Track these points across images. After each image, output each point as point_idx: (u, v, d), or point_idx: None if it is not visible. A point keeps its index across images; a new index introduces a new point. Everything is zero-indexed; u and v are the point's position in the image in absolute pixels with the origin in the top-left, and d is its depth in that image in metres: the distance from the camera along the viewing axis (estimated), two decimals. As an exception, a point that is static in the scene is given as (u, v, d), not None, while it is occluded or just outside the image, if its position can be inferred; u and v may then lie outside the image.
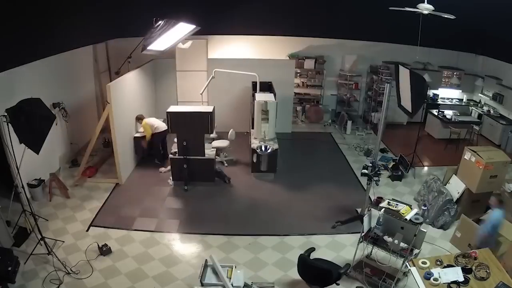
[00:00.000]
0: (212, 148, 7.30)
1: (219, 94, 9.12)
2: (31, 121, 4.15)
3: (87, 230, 5.39)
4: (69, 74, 7.55)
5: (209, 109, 6.74)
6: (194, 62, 8.96)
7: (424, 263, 4.08)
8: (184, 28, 6.75)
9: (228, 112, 9.25)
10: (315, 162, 8.25)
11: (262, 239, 5.56)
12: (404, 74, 6.96)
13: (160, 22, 5.67)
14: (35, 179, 6.25)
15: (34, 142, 4.26)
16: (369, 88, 11.04)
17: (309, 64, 10.58)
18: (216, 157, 7.46)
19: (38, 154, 4.34)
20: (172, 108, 6.66)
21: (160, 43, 6.25)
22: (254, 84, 8.51)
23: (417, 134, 8.06)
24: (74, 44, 7.41)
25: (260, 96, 7.54)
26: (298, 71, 10.51)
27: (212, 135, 7.65)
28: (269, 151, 7.04)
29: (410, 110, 6.89)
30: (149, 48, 5.76)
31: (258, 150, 7.03)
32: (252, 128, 7.86)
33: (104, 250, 5.02)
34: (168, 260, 5.04)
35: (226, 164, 7.88)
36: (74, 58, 7.67)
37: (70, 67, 7.59)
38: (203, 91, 7.92)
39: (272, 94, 7.81)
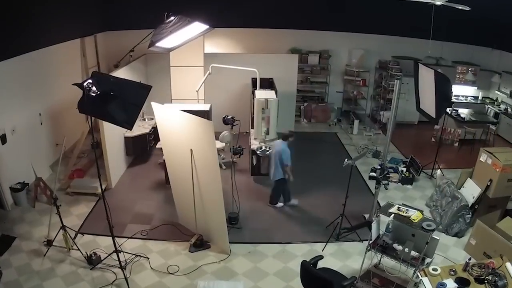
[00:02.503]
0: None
1: (216, 91, 9.12)
2: (123, 99, 4.03)
3: (74, 238, 5.39)
4: (55, 70, 7.56)
5: (205, 107, 6.75)
6: (189, 57, 8.98)
7: (435, 270, 4.09)
8: (196, 28, 6.73)
9: (226, 111, 9.21)
10: (320, 165, 8.26)
11: (263, 247, 5.57)
12: (426, 74, 6.90)
13: (172, 18, 5.68)
14: (19, 183, 6.26)
15: (128, 118, 4.14)
16: (378, 85, 11.06)
17: (313, 59, 10.60)
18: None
19: (131, 129, 4.32)
20: (166, 107, 6.66)
21: (170, 40, 6.25)
22: (254, 81, 8.52)
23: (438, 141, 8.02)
24: (58, 38, 7.42)
25: (261, 94, 7.55)
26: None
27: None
28: (270, 152, 7.04)
29: (432, 114, 6.83)
30: (157, 44, 5.77)
31: (258, 152, 7.03)
32: (252, 128, 7.87)
33: (93, 259, 5.02)
34: (161, 270, 5.04)
35: (224, 167, 7.89)
36: (60, 53, 7.67)
37: (56, 62, 7.60)
38: (199, 88, 7.93)
39: (273, 92, 7.82)
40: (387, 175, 5.50)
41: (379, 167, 5.58)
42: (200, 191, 5.25)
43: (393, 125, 5.59)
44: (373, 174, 5.50)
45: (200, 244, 5.47)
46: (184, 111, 6.50)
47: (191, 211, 5.60)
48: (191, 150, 4.93)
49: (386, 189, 5.74)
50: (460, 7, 5.43)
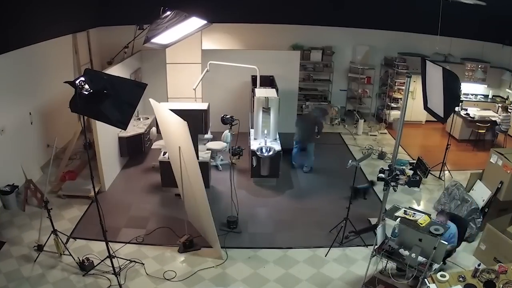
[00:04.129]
0: (207, 150, 7.30)
1: (214, 89, 9.12)
2: (117, 97, 4.06)
3: (65, 243, 5.39)
4: (46, 67, 7.57)
5: (203, 106, 6.75)
6: (186, 54, 8.97)
7: (443, 276, 4.09)
8: (194, 23, 6.74)
9: (225, 110, 9.22)
10: (322, 166, 8.26)
11: (263, 253, 5.57)
12: (434, 72, 6.90)
13: (168, 13, 5.69)
14: (8, 185, 6.26)
15: (122, 117, 4.18)
16: (383, 82, 11.06)
17: (315, 56, 10.60)
18: (211, 160, 7.46)
19: (125, 129, 4.38)
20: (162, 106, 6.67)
21: (166, 36, 6.26)
22: (254, 79, 8.51)
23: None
24: (49, 34, 7.42)
25: (261, 92, 7.56)
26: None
27: (206, 136, 7.65)
28: (270, 153, 7.04)
29: (440, 114, 6.85)
30: (153, 41, 5.78)
31: (259, 153, 7.04)
32: (252, 127, 7.87)
33: (86, 265, 5.02)
34: (156, 277, 5.04)
35: (220, 169, 7.90)
36: (51, 49, 7.68)
37: (46, 59, 7.60)
38: (196, 86, 7.93)
39: (274, 90, 7.82)
40: (397, 177, 5.51)
41: (387, 168, 5.59)
42: (193, 192, 5.26)
43: (402, 124, 5.58)
44: (382, 175, 5.49)
45: (190, 244, 5.48)
46: (180, 110, 6.54)
47: (190, 211, 5.65)
48: (179, 147, 4.96)
49: (395, 191, 5.75)
50: (468, 2, 5.42)
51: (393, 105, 10.52)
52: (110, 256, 4.83)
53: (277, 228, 6.15)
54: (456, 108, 9.76)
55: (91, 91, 3.90)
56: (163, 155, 6.88)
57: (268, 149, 7.12)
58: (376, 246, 4.68)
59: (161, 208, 6.57)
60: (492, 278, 4.00)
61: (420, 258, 4.44)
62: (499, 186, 5.84)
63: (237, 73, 8.54)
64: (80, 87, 3.87)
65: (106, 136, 6.97)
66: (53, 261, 5.19)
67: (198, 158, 6.74)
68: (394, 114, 10.41)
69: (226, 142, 7.74)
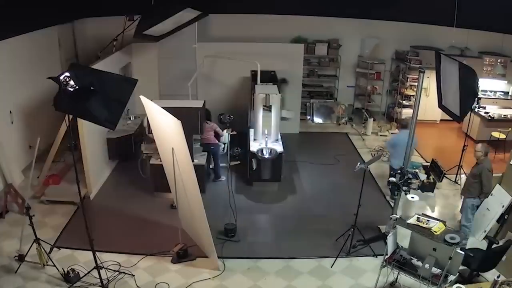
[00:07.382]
0: (203, 152, 7.31)
1: (211, 86, 9.14)
2: (105, 94, 4.08)
3: (49, 252, 5.39)
4: (27, 62, 7.58)
5: (198, 104, 6.76)
6: (180, 47, 9.00)
7: (460, 289, 4.09)
8: (188, 14, 6.75)
9: (222, 108, 9.27)
10: (328, 170, 8.27)
11: (263, 263, 5.57)
12: (449, 67, 6.92)
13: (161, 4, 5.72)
14: (-14, 190, 6.27)
15: (111, 116, 4.21)
16: (394, 78, 11.08)
17: (320, 49, 10.61)
18: (207, 163, 7.47)
19: (114, 129, 4.42)
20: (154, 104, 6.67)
21: (159, 28, 6.29)
22: (254, 74, 8.53)
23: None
24: (31, 26, 7.43)
25: (261, 89, 7.57)
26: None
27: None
28: (272, 155, 7.05)
29: (456, 112, 6.87)
30: (144, 33, 5.81)
31: (259, 154, 7.04)
32: (251, 127, 7.88)
33: (71, 277, 5.02)
34: (148, 289, 5.05)
35: (219, 172, 7.91)
36: (32, 43, 7.69)
37: (28, 54, 7.61)
38: (191, 83, 7.95)
39: (275, 86, 7.83)
40: (409, 181, 5.52)
41: (399, 171, 5.60)
42: (187, 197, 5.27)
43: (415, 124, 5.59)
44: (393, 179, 5.50)
45: (184, 254, 5.49)
46: (174, 108, 6.54)
47: (184, 218, 5.65)
48: (173, 149, 4.97)
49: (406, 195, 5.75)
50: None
51: (405, 102, 10.53)
52: (98, 267, 4.83)
53: (279, 237, 6.15)
54: (473, 106, 9.78)
55: (77, 87, 3.91)
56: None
57: (269, 151, 7.12)
58: (386, 256, 4.69)
59: (153, 215, 6.57)
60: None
61: (434, 269, 4.44)
62: (520, 191, 5.85)
63: (236, 68, 8.56)
64: (65, 83, 3.88)
65: (93, 137, 6.98)
66: (36, 272, 5.19)
67: (193, 161, 6.76)
68: (406, 112, 10.42)
69: (224, 143, 7.75)
